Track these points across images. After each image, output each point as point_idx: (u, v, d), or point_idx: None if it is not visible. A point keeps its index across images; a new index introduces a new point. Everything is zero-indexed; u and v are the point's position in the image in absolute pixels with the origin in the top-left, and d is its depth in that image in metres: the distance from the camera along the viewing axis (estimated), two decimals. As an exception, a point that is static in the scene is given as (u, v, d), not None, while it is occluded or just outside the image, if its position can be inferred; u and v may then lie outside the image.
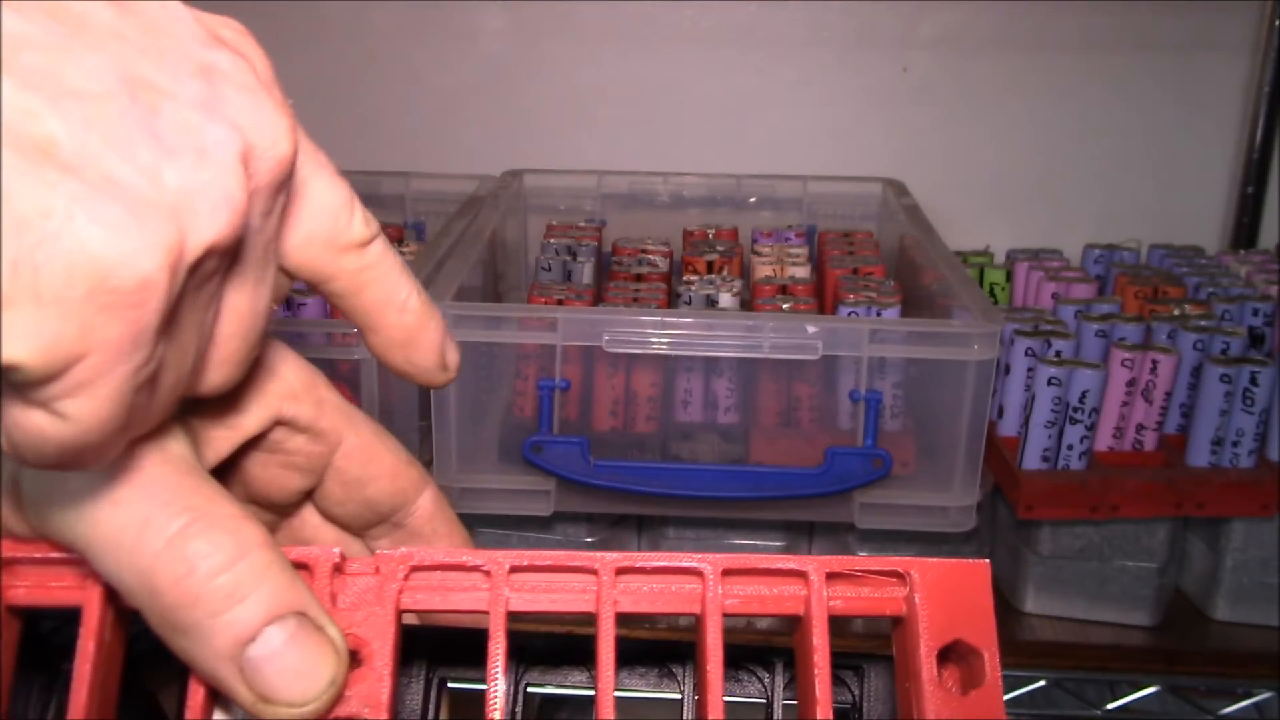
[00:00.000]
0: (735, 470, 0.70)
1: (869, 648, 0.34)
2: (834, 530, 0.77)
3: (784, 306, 0.77)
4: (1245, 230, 1.11)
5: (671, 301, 0.81)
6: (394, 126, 1.14)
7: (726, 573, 0.28)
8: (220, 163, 0.22)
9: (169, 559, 0.25)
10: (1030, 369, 0.74)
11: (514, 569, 0.28)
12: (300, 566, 0.27)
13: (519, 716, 0.34)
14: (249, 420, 0.30)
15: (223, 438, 0.30)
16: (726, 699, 0.27)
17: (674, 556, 0.28)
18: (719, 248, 0.87)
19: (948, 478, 0.69)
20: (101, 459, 0.23)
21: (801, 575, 0.28)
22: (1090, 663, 0.76)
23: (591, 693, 0.66)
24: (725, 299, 0.77)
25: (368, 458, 0.33)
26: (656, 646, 0.34)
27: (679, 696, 0.34)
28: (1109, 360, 0.74)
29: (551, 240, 0.86)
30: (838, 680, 0.33)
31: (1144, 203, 1.13)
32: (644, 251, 0.86)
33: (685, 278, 0.82)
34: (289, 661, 0.25)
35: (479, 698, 0.29)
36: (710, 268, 0.84)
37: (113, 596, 0.27)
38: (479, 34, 1.12)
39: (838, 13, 1.10)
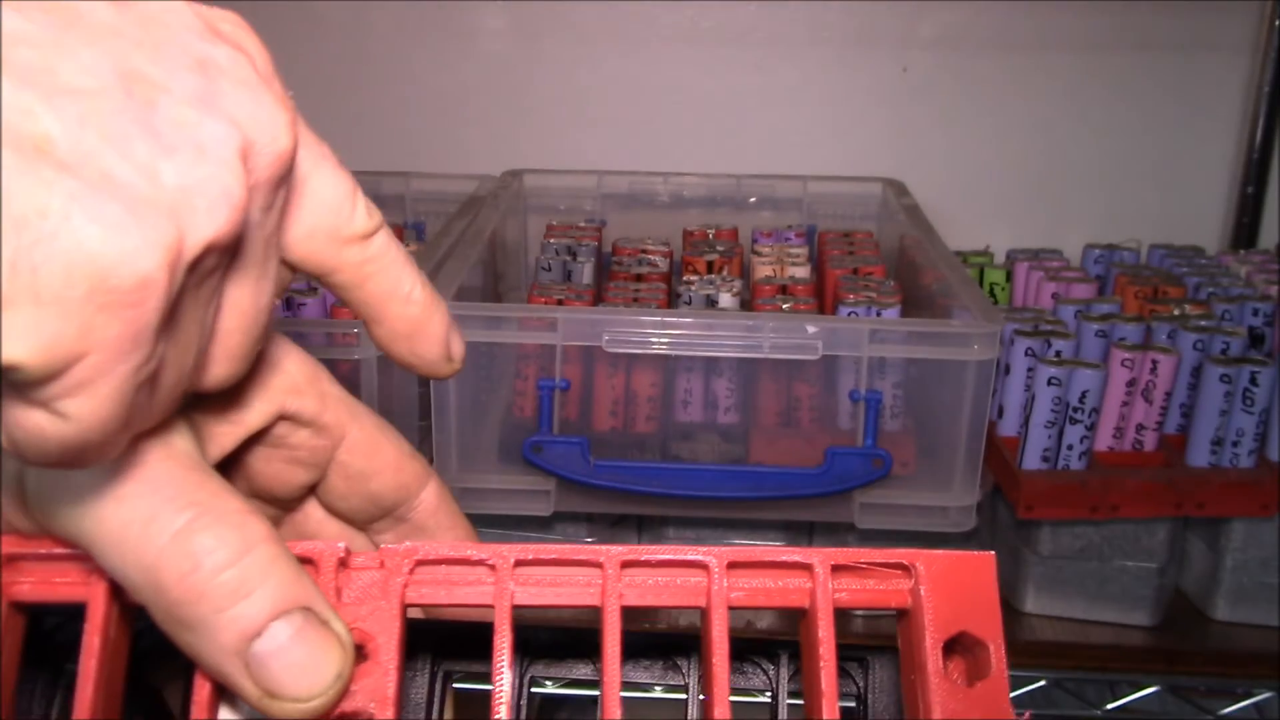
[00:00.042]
0: (735, 470, 0.70)
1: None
2: (834, 530, 0.77)
3: (784, 306, 0.77)
4: (1245, 230, 1.11)
5: (671, 301, 0.81)
6: (394, 126, 1.14)
7: (731, 566, 0.28)
8: (219, 159, 0.22)
9: (174, 554, 0.25)
10: (1030, 369, 0.74)
11: (519, 563, 0.28)
12: (305, 561, 0.27)
13: (524, 710, 0.34)
14: (252, 415, 0.30)
15: (226, 433, 0.30)
16: (732, 695, 0.27)
17: (679, 549, 0.28)
18: (719, 248, 0.87)
19: (948, 478, 0.69)
20: (103, 457, 0.23)
21: (807, 568, 0.28)
22: (1090, 663, 0.76)
23: (594, 692, 0.65)
24: (725, 299, 0.77)
25: (371, 451, 0.33)
26: (661, 639, 0.34)
27: (684, 696, 0.34)
28: (1109, 360, 0.74)
29: (551, 240, 0.86)
30: (843, 673, 0.33)
31: (1144, 203, 1.13)
32: (644, 251, 0.86)
33: (685, 278, 0.82)
34: (295, 657, 0.25)
35: (480, 698, 0.29)
36: (710, 268, 0.84)
37: (117, 592, 0.27)
38: (479, 34, 1.12)
39: (838, 13, 1.10)
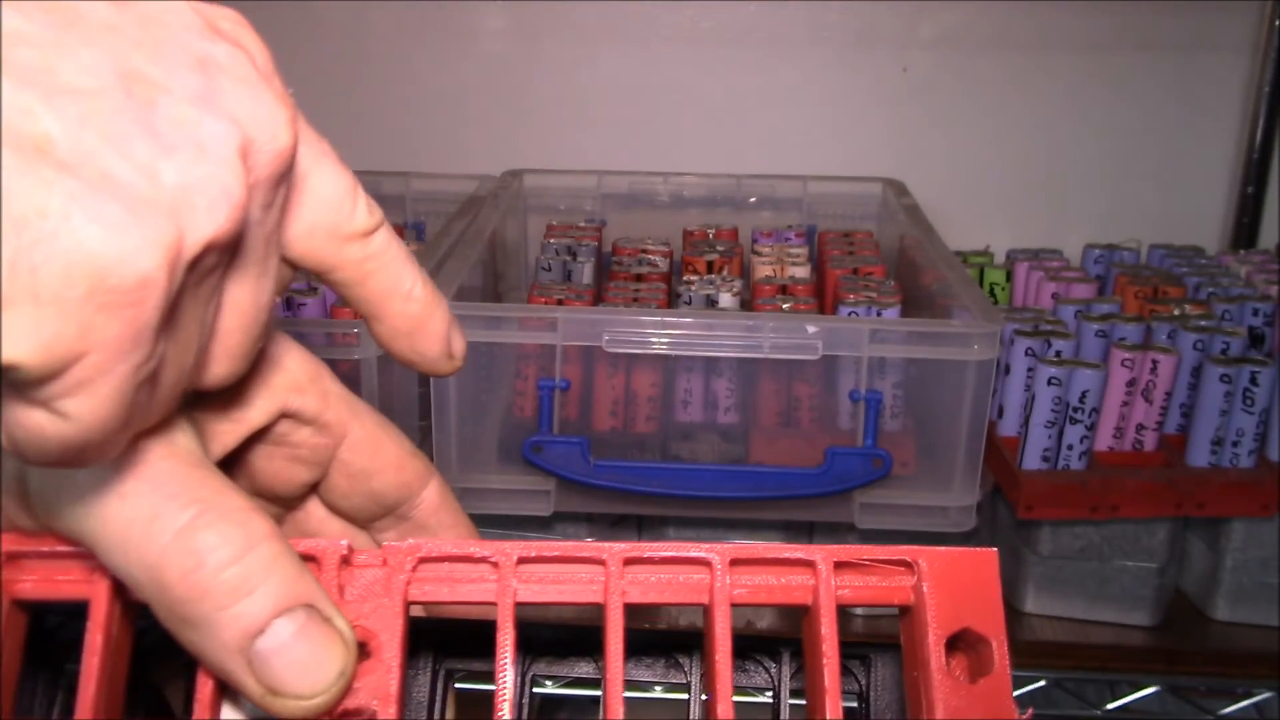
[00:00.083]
0: (735, 470, 0.70)
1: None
2: (834, 530, 0.77)
3: (784, 306, 0.77)
4: (1245, 230, 1.11)
5: (671, 301, 0.81)
6: (394, 126, 1.14)
7: (734, 563, 0.28)
8: (219, 158, 0.22)
9: (177, 552, 0.25)
10: (1030, 369, 0.74)
11: (522, 560, 0.28)
12: (308, 559, 0.27)
13: (525, 709, 0.34)
14: (254, 413, 0.30)
15: (228, 431, 0.30)
16: (734, 693, 0.27)
17: (682, 546, 0.28)
18: (719, 248, 0.87)
19: (948, 478, 0.69)
20: (103, 456, 0.23)
21: (809, 565, 0.28)
22: (1090, 663, 0.76)
23: (594, 692, 0.65)
24: (725, 299, 0.77)
25: (373, 450, 0.33)
26: (662, 637, 0.34)
27: (685, 696, 0.34)
28: (1109, 360, 0.74)
29: (551, 240, 0.86)
30: (845, 670, 0.33)
31: (1144, 203, 1.13)
32: (644, 251, 0.86)
33: (685, 278, 0.82)
34: (298, 654, 0.25)
35: (481, 699, 0.29)
36: (710, 268, 0.84)
37: (120, 590, 0.27)
38: (479, 34, 1.12)
39: (838, 13, 1.10)
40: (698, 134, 1.14)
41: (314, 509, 0.34)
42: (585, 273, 0.82)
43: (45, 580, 0.27)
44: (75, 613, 0.27)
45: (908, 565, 0.28)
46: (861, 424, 0.69)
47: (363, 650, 0.27)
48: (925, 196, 0.93)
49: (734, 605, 0.28)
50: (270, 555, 0.25)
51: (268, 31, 0.25)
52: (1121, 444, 0.76)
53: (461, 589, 0.28)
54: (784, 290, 0.80)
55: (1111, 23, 1.09)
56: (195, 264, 0.22)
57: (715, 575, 0.28)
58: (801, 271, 0.84)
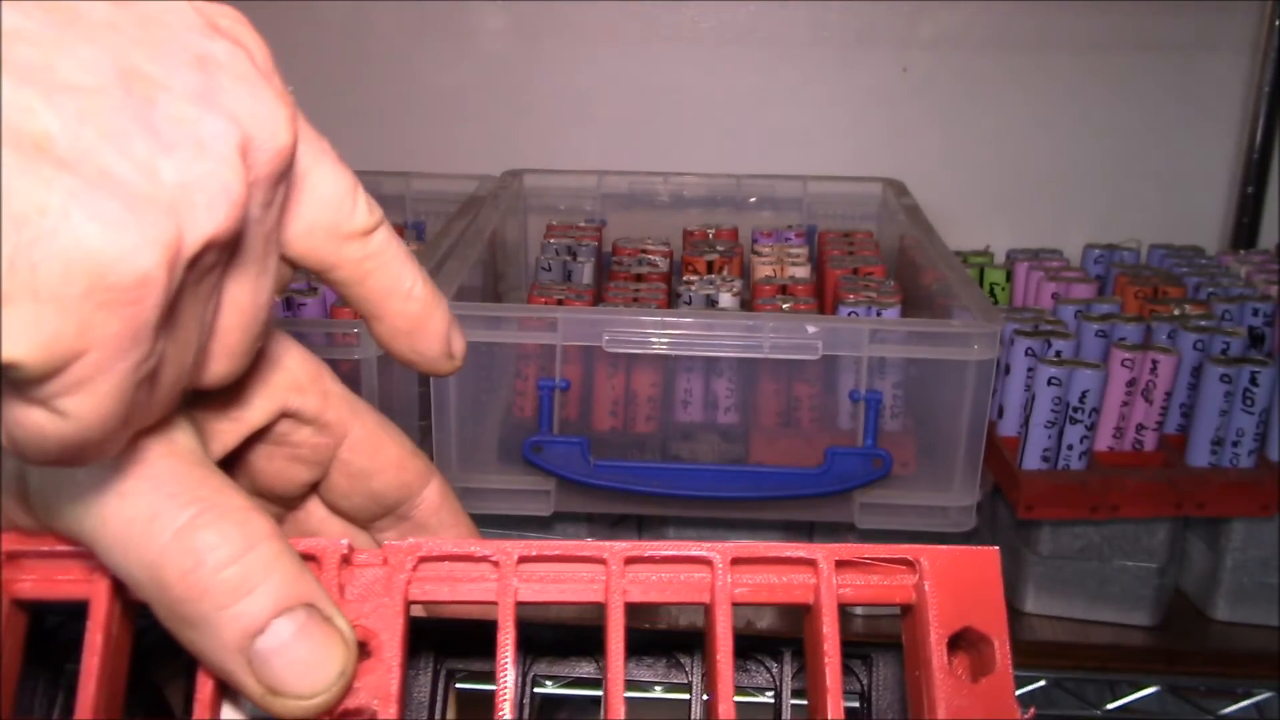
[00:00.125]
0: (735, 470, 0.70)
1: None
2: (834, 530, 0.77)
3: (784, 306, 0.77)
4: (1245, 230, 1.11)
5: (671, 301, 0.81)
6: (394, 126, 1.14)
7: (735, 561, 0.28)
8: (218, 155, 0.22)
9: (177, 551, 0.24)
10: (1030, 369, 0.74)
11: (522, 559, 0.28)
12: (308, 558, 0.27)
13: (526, 708, 0.34)
14: (254, 412, 0.30)
15: (228, 430, 0.30)
16: (735, 693, 0.27)
17: (683, 545, 0.28)
18: (719, 248, 0.87)
19: (948, 478, 0.69)
20: (103, 455, 0.23)
21: (811, 563, 0.28)
22: (1090, 663, 0.76)
23: (594, 692, 0.65)
24: (725, 299, 0.77)
25: (373, 450, 0.32)
26: (663, 637, 0.34)
27: (686, 696, 0.34)
28: (1109, 360, 0.74)
29: (551, 240, 0.86)
30: (846, 670, 0.33)
31: (1144, 203, 1.13)
32: (644, 251, 0.86)
33: (685, 278, 0.82)
34: (298, 654, 0.25)
35: (482, 699, 0.29)
36: (710, 268, 0.84)
37: (120, 590, 0.27)
38: (479, 34, 1.12)
39: (838, 13, 1.10)
40: (698, 134, 1.14)
41: (314, 509, 0.34)
42: (585, 273, 0.82)
43: (45, 580, 0.27)
44: (75, 612, 0.27)
45: (909, 564, 0.28)
46: (861, 424, 0.69)
47: (363, 650, 0.27)
48: (925, 196, 0.93)
49: (735, 604, 0.28)
50: (270, 554, 0.25)
51: (267, 31, 0.25)
52: (1121, 444, 0.76)
53: (462, 588, 0.28)
54: (784, 290, 0.80)
55: (1111, 23, 1.09)
56: (195, 262, 0.22)
57: (716, 574, 0.28)
58: (801, 271, 0.84)
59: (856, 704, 0.33)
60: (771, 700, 0.34)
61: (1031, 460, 0.74)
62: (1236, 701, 0.77)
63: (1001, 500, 0.79)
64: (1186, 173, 1.13)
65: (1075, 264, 0.94)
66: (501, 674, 0.26)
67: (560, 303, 0.76)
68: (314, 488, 0.33)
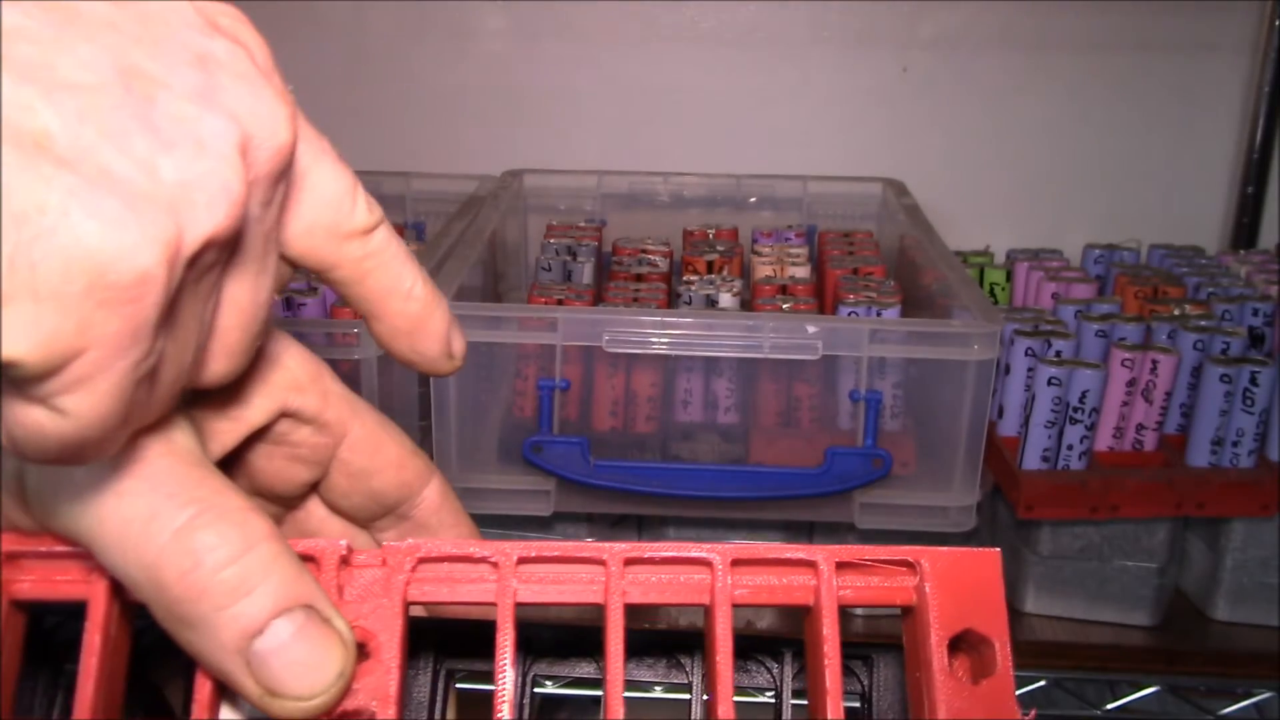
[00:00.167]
0: (735, 470, 0.70)
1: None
2: (834, 530, 0.77)
3: (784, 306, 0.77)
4: (1245, 230, 1.11)
5: (671, 301, 0.81)
6: (394, 126, 1.14)
7: (735, 563, 0.28)
8: (218, 154, 0.22)
9: (175, 552, 0.24)
10: (1030, 369, 0.74)
11: (522, 560, 0.28)
12: (307, 559, 0.27)
13: (526, 709, 0.33)
14: (254, 412, 0.30)
15: (228, 430, 0.29)
16: (735, 694, 0.27)
17: (682, 546, 0.27)
18: (719, 248, 0.87)
19: (948, 478, 0.69)
20: (102, 454, 0.23)
21: (811, 565, 0.28)
22: (1090, 663, 0.76)
23: (595, 692, 0.65)
24: (725, 299, 0.77)
25: (373, 449, 0.32)
26: (663, 638, 0.33)
27: (686, 696, 0.34)
28: (1109, 360, 0.74)
29: (551, 240, 0.86)
30: (847, 671, 0.33)
31: (1144, 203, 1.13)
32: (644, 251, 0.86)
33: (685, 278, 0.82)
34: (296, 655, 0.25)
35: (481, 700, 0.29)
36: (710, 268, 0.84)
37: (118, 590, 0.27)
38: (479, 34, 1.12)
39: (838, 13, 1.10)
40: (698, 134, 1.14)
41: (314, 508, 0.34)
42: (585, 273, 0.82)
43: (44, 580, 0.27)
44: (74, 613, 0.27)
45: (910, 565, 0.28)
46: (861, 424, 0.69)
47: (362, 651, 0.27)
48: (925, 196, 0.93)
49: (735, 606, 0.28)
50: (269, 555, 0.25)
51: (267, 31, 0.25)
52: (1121, 444, 0.76)
53: (461, 589, 0.28)
54: (784, 290, 0.80)
55: (1111, 23, 1.09)
56: (194, 260, 0.22)
57: (716, 575, 0.28)
58: (801, 271, 0.84)
59: (857, 705, 0.33)
60: (772, 701, 0.34)
61: (1031, 460, 0.74)
62: (1236, 701, 0.77)
63: (1001, 500, 0.79)
64: (1186, 173, 1.13)
65: (1075, 264, 0.94)
66: (501, 674, 0.26)
67: (560, 303, 0.76)
68: (314, 487, 0.33)
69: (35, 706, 0.34)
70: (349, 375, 0.65)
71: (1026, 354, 0.75)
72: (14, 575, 0.27)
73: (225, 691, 0.27)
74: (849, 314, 0.73)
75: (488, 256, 0.85)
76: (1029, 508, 0.73)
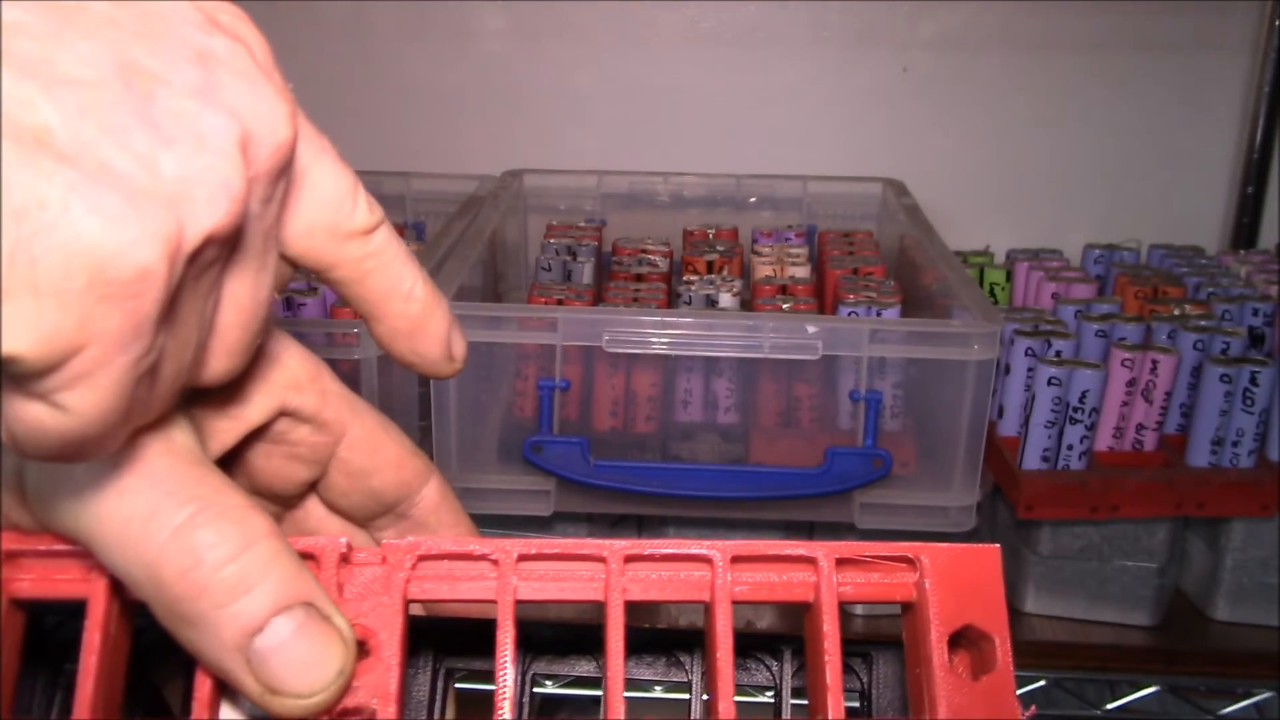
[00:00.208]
0: (735, 470, 0.70)
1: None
2: (834, 531, 0.77)
3: (784, 306, 0.77)
4: (1245, 230, 1.11)
5: (671, 301, 0.81)
6: (394, 126, 1.14)
7: (735, 560, 0.28)
8: (218, 150, 0.22)
9: (175, 550, 0.24)
10: (1030, 369, 0.74)
11: (522, 557, 0.28)
12: (307, 557, 0.27)
13: (526, 708, 0.33)
14: (253, 411, 0.30)
15: (227, 428, 0.29)
16: (735, 692, 0.27)
17: (682, 543, 0.27)
18: (719, 248, 0.87)
19: (948, 478, 0.69)
20: (102, 451, 0.23)
21: (811, 561, 0.28)
22: (1090, 663, 0.76)
23: (594, 692, 0.65)
24: (725, 299, 0.77)
25: (372, 448, 0.32)
26: (663, 636, 0.33)
27: (685, 696, 0.34)
28: (1109, 360, 0.74)
29: (551, 240, 0.86)
30: (847, 668, 0.33)
31: (1144, 203, 1.13)
32: (644, 251, 0.86)
33: (685, 278, 0.82)
34: (296, 652, 0.25)
35: (481, 699, 0.29)
36: (710, 268, 0.84)
37: (118, 589, 0.27)
38: (479, 34, 1.12)
39: (838, 13, 1.10)
40: (698, 134, 1.14)
41: (313, 507, 0.34)
42: (585, 273, 0.82)
43: (43, 579, 0.27)
44: (74, 611, 0.27)
45: (910, 562, 0.28)
46: (861, 424, 0.69)
47: (362, 649, 0.27)
48: (925, 196, 0.93)
49: (735, 603, 0.28)
50: (268, 553, 0.25)
51: (268, 31, 0.25)
52: (1121, 444, 0.76)
53: (461, 587, 0.28)
54: (784, 290, 0.80)
55: (1111, 23, 1.09)
56: (195, 257, 0.22)
57: (716, 572, 0.28)
58: (801, 271, 0.84)
59: (857, 703, 0.33)
60: (772, 699, 0.34)
61: (1031, 460, 0.74)
62: (1236, 701, 0.77)
63: (1001, 500, 0.79)
64: (1186, 173, 1.13)
65: (1075, 264, 0.94)
66: (501, 673, 0.26)
67: (560, 303, 0.76)
68: (313, 486, 0.33)
69: (35, 706, 0.34)
70: (349, 375, 0.65)
71: (1026, 354, 0.75)
72: (13, 574, 0.27)
73: (225, 690, 0.27)
74: (849, 314, 0.73)
75: (488, 256, 0.85)
76: (1029, 508, 0.73)
